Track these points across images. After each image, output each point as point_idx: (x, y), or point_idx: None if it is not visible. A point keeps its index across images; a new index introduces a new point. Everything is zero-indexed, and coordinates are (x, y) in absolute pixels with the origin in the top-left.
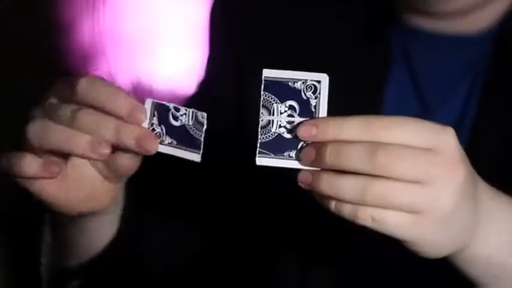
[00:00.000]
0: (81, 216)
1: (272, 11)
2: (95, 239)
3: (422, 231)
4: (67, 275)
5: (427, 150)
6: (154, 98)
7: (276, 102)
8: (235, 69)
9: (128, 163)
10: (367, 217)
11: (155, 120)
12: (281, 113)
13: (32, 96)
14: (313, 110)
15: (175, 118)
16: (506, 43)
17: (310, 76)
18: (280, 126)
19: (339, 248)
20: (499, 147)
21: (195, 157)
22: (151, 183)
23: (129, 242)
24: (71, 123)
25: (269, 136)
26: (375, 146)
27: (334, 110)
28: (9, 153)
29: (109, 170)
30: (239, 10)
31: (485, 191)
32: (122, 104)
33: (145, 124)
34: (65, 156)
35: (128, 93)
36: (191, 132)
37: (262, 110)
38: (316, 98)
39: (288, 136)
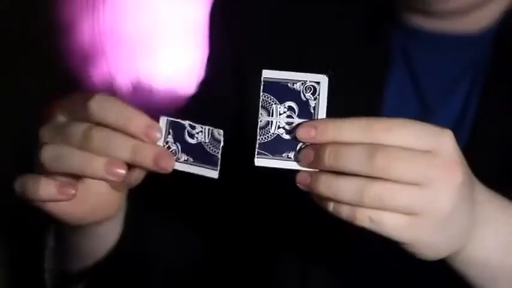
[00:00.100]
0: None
1: (272, 11)
2: (100, 244)
3: (420, 233)
4: (71, 279)
5: (425, 152)
6: (168, 116)
7: (275, 103)
8: (235, 69)
9: (139, 175)
10: (365, 218)
11: (170, 138)
12: (280, 114)
13: (32, 96)
14: (312, 111)
15: (191, 136)
16: (506, 43)
17: (310, 77)
18: (279, 127)
19: (338, 248)
20: (499, 147)
21: (213, 174)
22: (152, 185)
23: (133, 244)
24: (84, 143)
25: (268, 137)
26: (373, 148)
27: (334, 110)
28: (23, 176)
29: (119, 183)
30: (239, 10)
31: (482, 192)
32: (138, 123)
33: (160, 142)
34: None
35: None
36: (207, 149)
37: (261, 111)
38: (315, 99)
39: (287, 137)
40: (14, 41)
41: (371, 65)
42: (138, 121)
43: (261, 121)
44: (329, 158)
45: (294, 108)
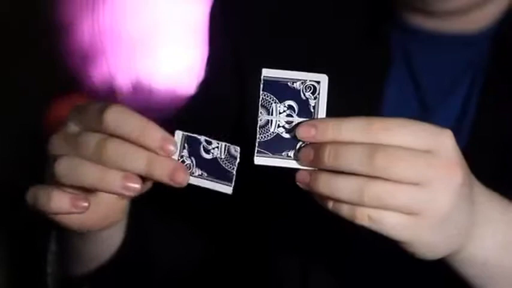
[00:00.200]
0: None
1: (272, 10)
2: (103, 248)
3: (419, 233)
4: (74, 283)
5: (425, 152)
6: (184, 131)
7: (274, 102)
8: (235, 69)
9: (149, 184)
10: (364, 217)
11: (185, 152)
12: (280, 113)
13: (32, 96)
14: (312, 110)
15: (207, 151)
16: (505, 42)
17: (310, 76)
18: (278, 126)
19: (339, 246)
20: (499, 147)
21: (227, 189)
22: (153, 188)
23: (136, 247)
24: (99, 155)
25: (267, 136)
26: (373, 147)
27: (334, 110)
28: (34, 187)
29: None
30: (239, 10)
31: (481, 193)
32: (154, 136)
33: (175, 156)
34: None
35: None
36: (223, 165)
37: (261, 110)
38: (315, 98)
39: (287, 136)
40: (14, 41)
41: (371, 64)
42: (154, 134)
43: (260, 120)
44: (329, 157)
45: (293, 107)
